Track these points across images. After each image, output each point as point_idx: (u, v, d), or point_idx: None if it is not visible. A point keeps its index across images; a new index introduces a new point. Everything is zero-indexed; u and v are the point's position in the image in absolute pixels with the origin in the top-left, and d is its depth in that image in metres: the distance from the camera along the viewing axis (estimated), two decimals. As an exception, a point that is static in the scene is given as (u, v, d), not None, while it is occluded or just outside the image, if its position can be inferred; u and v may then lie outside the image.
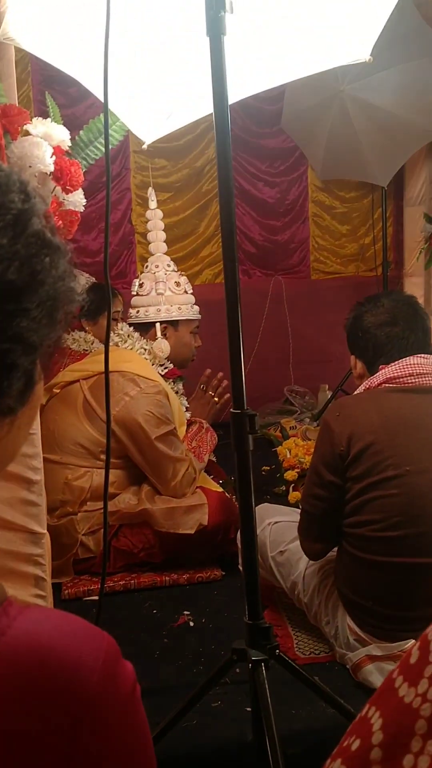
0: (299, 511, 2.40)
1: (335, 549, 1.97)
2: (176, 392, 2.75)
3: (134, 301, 2.76)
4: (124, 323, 2.76)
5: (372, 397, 1.90)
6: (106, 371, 1.43)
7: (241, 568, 2.35)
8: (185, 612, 2.32)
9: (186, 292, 2.76)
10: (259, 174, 4.65)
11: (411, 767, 0.52)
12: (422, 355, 1.89)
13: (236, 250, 1.40)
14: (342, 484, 1.84)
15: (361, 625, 1.87)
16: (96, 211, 4.40)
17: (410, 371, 1.86)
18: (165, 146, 4.43)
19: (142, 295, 2.73)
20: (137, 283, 2.75)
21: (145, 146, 1.71)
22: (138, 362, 2.63)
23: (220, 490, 2.68)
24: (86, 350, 3.34)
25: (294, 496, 3.08)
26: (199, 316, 2.80)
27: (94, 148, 1.62)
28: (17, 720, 0.52)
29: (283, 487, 3.19)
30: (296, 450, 3.16)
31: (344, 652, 1.93)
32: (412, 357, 1.88)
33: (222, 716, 1.81)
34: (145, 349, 2.69)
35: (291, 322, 4.70)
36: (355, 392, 1.98)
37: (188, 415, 2.83)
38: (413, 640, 1.77)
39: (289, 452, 3.18)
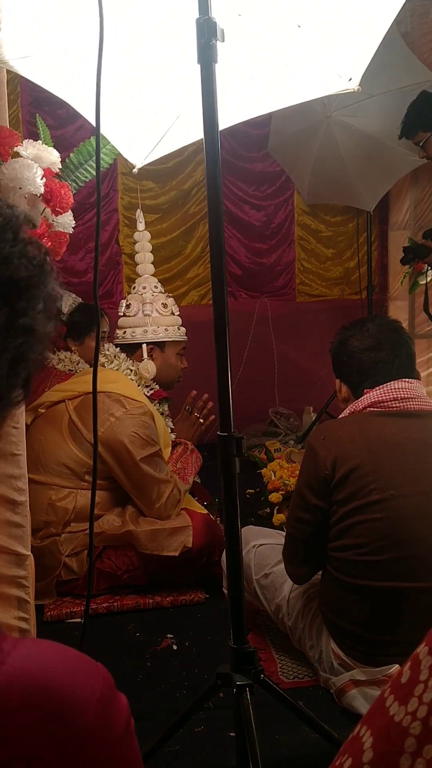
0: (284, 533, 2.40)
1: (320, 572, 1.97)
2: (162, 413, 2.75)
3: (121, 322, 2.76)
4: (111, 344, 2.77)
5: (356, 420, 1.91)
6: (94, 392, 1.43)
7: (225, 590, 2.36)
8: (168, 635, 2.30)
9: (173, 313, 2.77)
10: (246, 197, 4.70)
11: None
12: (406, 379, 1.90)
13: (224, 272, 1.42)
14: (327, 508, 1.84)
15: (345, 650, 1.86)
16: (83, 232, 4.41)
17: (395, 395, 1.88)
18: (153, 168, 4.45)
19: (129, 316, 2.74)
20: (124, 304, 2.76)
21: (135, 170, 1.73)
22: (124, 383, 2.62)
23: (205, 512, 2.67)
24: (71, 370, 3.33)
25: (278, 518, 3.07)
26: (185, 338, 2.81)
27: (84, 170, 1.63)
28: (12, 758, 0.51)
29: (268, 510, 3.18)
30: (281, 472, 3.16)
31: (328, 676, 1.92)
32: (396, 381, 1.89)
33: (205, 741, 1.79)
34: (131, 370, 2.69)
35: (276, 344, 4.73)
36: (340, 416, 1.99)
37: (173, 436, 2.83)
38: (397, 665, 1.78)
39: (274, 474, 3.18)
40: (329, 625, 1.92)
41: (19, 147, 1.50)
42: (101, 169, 1.68)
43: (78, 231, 4.36)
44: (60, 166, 1.59)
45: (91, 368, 2.73)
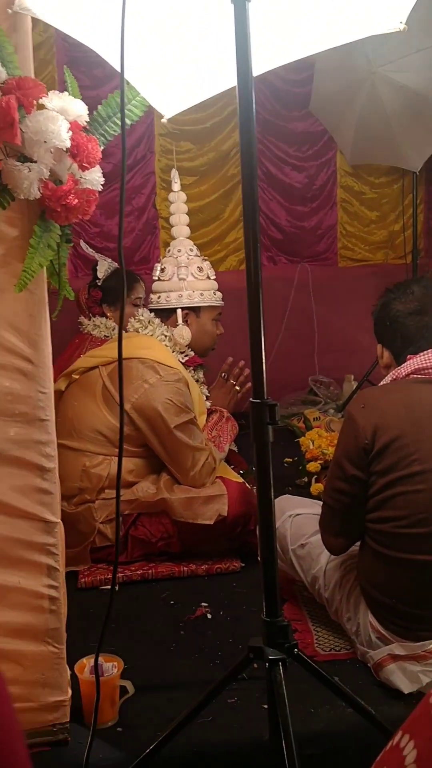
0: (321, 503, 2.34)
1: (358, 543, 1.91)
2: (197, 381, 2.69)
3: (155, 286, 2.70)
4: (145, 309, 2.71)
5: (399, 388, 1.82)
6: (120, 359, 1.38)
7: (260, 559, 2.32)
8: (203, 604, 2.27)
9: (209, 277, 2.70)
10: (287, 158, 4.55)
11: None
12: (453, 345, 1.81)
13: (258, 229, 1.34)
14: (365, 479, 1.77)
15: (383, 623, 1.81)
16: (120, 196, 4.34)
17: (440, 362, 1.79)
18: (190, 129, 4.36)
19: (163, 280, 2.67)
20: (159, 268, 2.69)
21: (164, 120, 1.64)
22: (158, 349, 2.57)
23: (241, 480, 2.62)
24: (107, 336, 3.30)
25: (316, 488, 3.01)
26: (221, 303, 2.73)
27: (113, 123, 1.55)
28: None
29: (305, 479, 3.12)
30: (319, 441, 3.09)
31: (366, 649, 1.87)
32: (442, 347, 1.80)
33: (238, 713, 1.76)
34: (166, 336, 2.63)
35: (317, 310, 4.60)
36: (381, 383, 1.90)
37: (209, 404, 2.77)
38: (438, 640, 1.71)
39: (312, 443, 3.11)
40: (367, 597, 1.86)
41: (44, 99, 1.43)
42: (131, 121, 1.61)
43: (115, 195, 4.37)
44: (87, 119, 1.51)
45: (127, 333, 2.70)
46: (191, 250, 2.68)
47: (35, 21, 1.44)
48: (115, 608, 2.23)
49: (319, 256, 4.68)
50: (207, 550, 2.50)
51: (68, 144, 1.45)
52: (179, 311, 2.62)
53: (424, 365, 1.79)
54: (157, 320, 2.65)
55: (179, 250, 2.66)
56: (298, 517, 2.17)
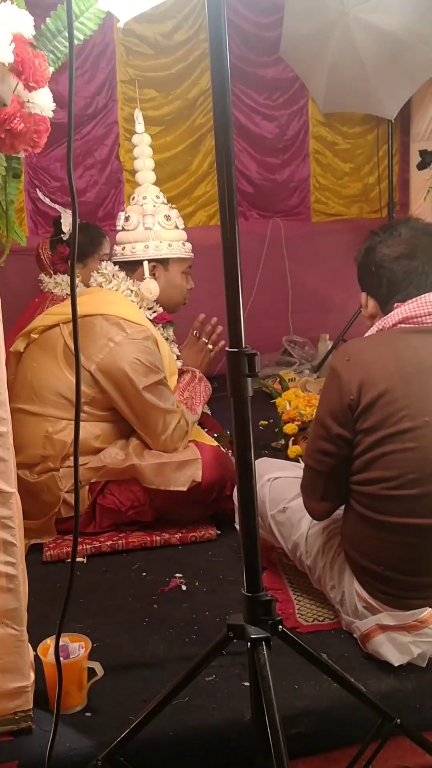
0: (302, 465, 2.21)
1: (342, 507, 1.78)
2: (166, 339, 2.52)
3: (119, 237, 2.50)
4: (109, 262, 2.51)
5: (386, 339, 1.68)
6: (75, 318, 1.22)
7: (238, 527, 2.18)
8: (177, 575, 2.14)
9: (177, 227, 2.51)
10: (257, 107, 4.33)
11: None
12: (444, 291, 1.66)
13: (233, 161, 1.17)
14: (351, 438, 1.63)
15: (370, 592, 1.69)
16: (81, 147, 4.11)
17: (430, 309, 1.64)
18: (154, 75, 4.12)
19: (128, 230, 2.47)
20: (123, 217, 2.49)
21: (120, 24, 1.45)
22: (124, 304, 2.39)
23: (215, 444, 2.47)
24: (69, 294, 3.10)
25: (294, 450, 2.88)
26: (191, 255, 2.55)
27: (63, 39, 1.36)
28: None
29: (282, 441, 2.99)
30: (296, 402, 2.95)
31: (351, 619, 1.75)
32: (432, 293, 1.65)
33: (217, 692, 1.64)
34: (132, 291, 2.44)
35: (290, 267, 4.44)
36: (367, 334, 1.75)
37: (180, 363, 2.61)
38: (430, 609, 1.59)
39: (289, 404, 2.97)
40: (353, 564, 1.73)
41: (-20, 6, 1.23)
42: (85, 37, 1.41)
43: (76, 146, 4.12)
44: (33, 33, 1.32)
45: (89, 288, 2.51)
46: (157, 197, 2.48)
47: None
48: (83, 582, 2.12)
49: (292, 211, 4.50)
50: (180, 518, 2.37)
51: (11, 59, 1.26)
52: (146, 263, 2.43)
53: (414, 313, 1.64)
54: (122, 274, 2.46)
55: (144, 198, 2.46)
56: (277, 480, 2.03)
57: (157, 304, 2.48)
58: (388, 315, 1.69)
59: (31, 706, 1.53)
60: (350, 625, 1.76)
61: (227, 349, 1.16)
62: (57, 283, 3.15)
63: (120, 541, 2.30)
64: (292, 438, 2.93)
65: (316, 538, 1.87)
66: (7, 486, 1.42)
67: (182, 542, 2.33)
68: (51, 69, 1.41)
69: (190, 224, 4.17)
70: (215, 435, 2.66)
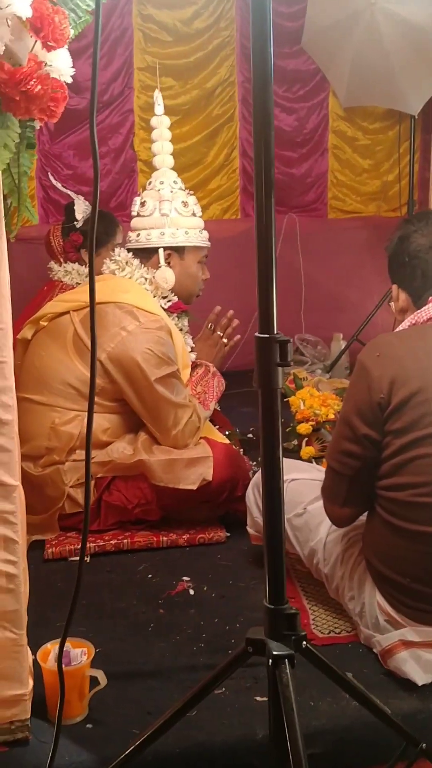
0: (320, 467, 2.10)
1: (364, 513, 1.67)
2: (180, 329, 2.41)
3: (134, 222, 2.39)
4: (122, 248, 2.40)
5: (420, 334, 1.57)
6: (92, 308, 1.12)
7: (249, 530, 2.08)
8: (184, 578, 2.04)
9: (194, 214, 2.40)
10: (276, 99, 4.20)
11: None
12: None
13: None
14: (379, 439, 1.53)
15: (394, 605, 1.58)
16: (97, 134, 3.99)
17: (467, 304, 1.54)
18: (172, 63, 4.01)
19: (143, 216, 2.36)
20: (138, 202, 2.38)
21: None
22: (137, 293, 2.28)
23: (227, 441, 2.37)
24: (79, 284, 3.00)
25: (306, 451, 2.77)
26: (208, 244, 2.44)
27: (86, -4, 1.26)
28: None
29: (295, 442, 2.88)
30: (311, 401, 2.84)
31: (371, 633, 1.64)
32: (470, 287, 1.55)
33: (227, 707, 1.53)
34: (146, 279, 2.34)
35: (304, 264, 4.32)
36: (397, 329, 1.65)
37: (193, 356, 2.50)
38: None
39: (303, 403, 2.86)
40: (375, 574, 1.63)
41: None
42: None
43: (89, 134, 4.01)
44: (54, -12, 1.22)
45: (101, 275, 2.40)
46: (175, 182, 2.38)
47: None
48: (85, 583, 1.99)
49: (308, 207, 4.38)
50: (189, 518, 2.26)
51: (29, 12, 1.15)
52: (161, 251, 2.33)
53: (450, 308, 1.54)
54: (136, 261, 2.35)
55: (162, 182, 2.36)
56: (294, 482, 1.93)
57: (171, 293, 2.37)
58: (423, 309, 1.59)
59: (29, 716, 1.43)
60: (369, 639, 1.66)
61: (256, 334, 1.06)
62: (67, 272, 3.05)
63: (125, 541, 2.20)
64: (306, 438, 2.82)
65: (335, 545, 1.77)
66: (11, 478, 1.32)
67: (190, 544, 2.22)
68: (72, 32, 1.31)
69: (205, 217, 4.03)
70: (226, 433, 2.55)
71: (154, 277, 2.33)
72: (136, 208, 2.39)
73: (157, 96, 2.37)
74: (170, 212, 2.33)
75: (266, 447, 1.10)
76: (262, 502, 1.18)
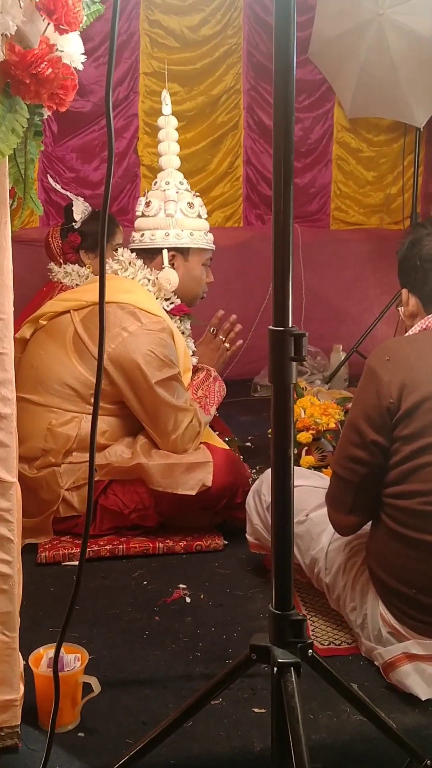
0: (322, 474, 2.06)
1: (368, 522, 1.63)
2: (182, 333, 2.37)
3: (138, 222, 2.35)
4: (125, 249, 2.37)
5: (430, 339, 1.54)
6: (101, 307, 1.07)
7: (248, 537, 2.03)
8: (181, 585, 1.99)
9: (200, 216, 2.37)
10: (281, 108, 4.21)
11: None
12: None
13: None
14: (388, 445, 1.49)
15: (398, 616, 1.53)
16: (99, 138, 3.97)
17: None
18: (179, 69, 3.99)
19: (148, 216, 2.33)
20: (143, 202, 2.35)
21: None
22: (140, 293, 2.24)
23: (227, 447, 2.32)
24: (78, 285, 2.97)
25: (306, 460, 2.72)
26: (213, 246, 2.41)
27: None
28: None
29: (295, 450, 2.83)
30: (312, 410, 2.79)
31: (373, 645, 1.60)
32: None
33: (224, 718, 1.48)
34: (149, 280, 2.30)
35: (305, 275, 4.28)
36: (408, 333, 1.61)
37: (195, 360, 2.46)
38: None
39: (304, 412, 2.81)
40: (378, 585, 1.58)
41: None
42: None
43: (93, 137, 3.99)
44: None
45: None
46: (181, 183, 2.35)
47: None
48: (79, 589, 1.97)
49: (311, 217, 4.36)
50: (187, 524, 2.22)
51: (43, -6, 1.12)
52: (165, 252, 2.29)
53: (462, 313, 1.51)
54: (139, 261, 2.32)
55: (167, 183, 2.33)
56: (296, 489, 1.86)
57: (174, 295, 2.34)
58: (433, 314, 1.56)
59: (19, 722, 1.38)
60: (371, 651, 1.61)
61: (271, 328, 1.02)
62: (67, 273, 3.01)
63: (120, 546, 2.15)
64: (305, 447, 2.77)
65: (338, 554, 1.72)
66: (8, 474, 1.28)
67: (187, 551, 2.18)
68: (85, 19, 1.28)
69: (207, 224, 4.04)
70: (226, 439, 2.51)
71: (157, 278, 2.29)
72: (140, 208, 2.35)
73: (165, 96, 2.34)
74: (175, 213, 2.30)
75: (277, 446, 1.06)
76: (270, 501, 1.14)
